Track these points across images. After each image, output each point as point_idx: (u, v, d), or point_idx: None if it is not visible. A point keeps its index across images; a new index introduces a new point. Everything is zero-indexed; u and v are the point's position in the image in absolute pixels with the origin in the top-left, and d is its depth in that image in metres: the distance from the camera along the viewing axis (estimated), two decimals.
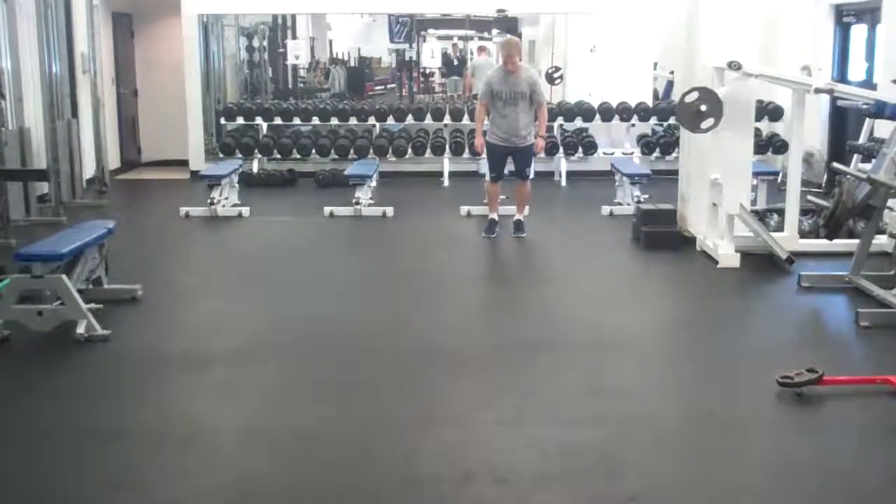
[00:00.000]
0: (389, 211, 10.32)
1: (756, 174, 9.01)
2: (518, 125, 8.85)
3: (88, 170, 11.88)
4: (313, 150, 13.02)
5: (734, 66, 7.77)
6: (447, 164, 12.85)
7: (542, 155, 12.64)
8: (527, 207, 9.41)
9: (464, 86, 17.62)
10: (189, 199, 10.91)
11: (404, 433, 4.54)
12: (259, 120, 13.45)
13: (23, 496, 3.90)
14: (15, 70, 9.82)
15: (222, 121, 13.75)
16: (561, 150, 13.00)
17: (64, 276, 5.93)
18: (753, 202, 8.81)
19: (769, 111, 12.69)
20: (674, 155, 12.31)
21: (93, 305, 6.05)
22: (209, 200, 10.25)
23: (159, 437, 4.51)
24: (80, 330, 5.78)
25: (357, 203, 10.32)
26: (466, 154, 12.86)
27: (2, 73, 9.27)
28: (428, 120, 13.48)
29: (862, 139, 10.81)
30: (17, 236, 8.66)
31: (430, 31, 23.01)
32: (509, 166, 9.26)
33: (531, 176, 9.28)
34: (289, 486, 3.99)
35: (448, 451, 4.31)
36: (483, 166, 11.20)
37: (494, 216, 9.17)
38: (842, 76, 12.23)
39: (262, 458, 4.30)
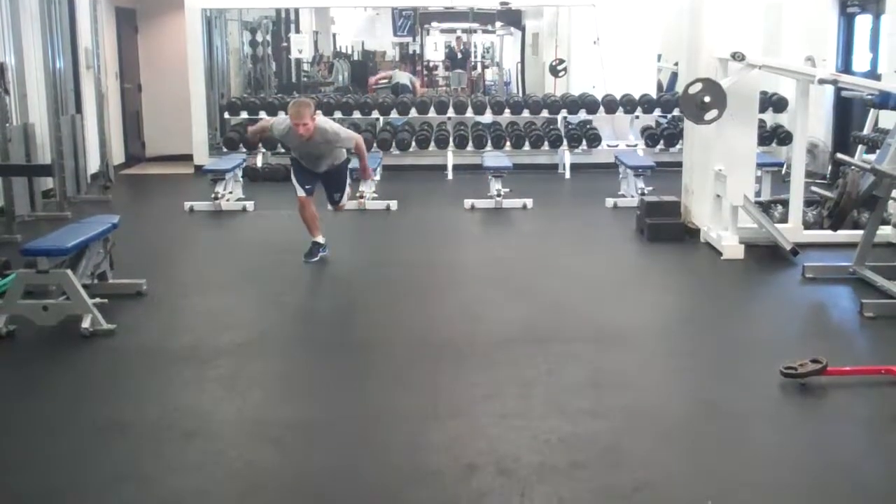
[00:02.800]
0: (393, 204, 10.33)
1: (760, 165, 9.01)
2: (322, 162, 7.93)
3: (93, 165, 11.92)
4: None
5: (738, 57, 7.75)
6: (451, 158, 12.86)
7: (546, 147, 12.72)
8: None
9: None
10: (193, 193, 10.93)
11: (408, 425, 4.55)
12: (263, 114, 13.43)
13: (28, 488, 3.91)
14: (19, 66, 9.84)
15: (226, 115, 13.76)
16: (565, 142, 13.00)
17: (69, 271, 5.95)
18: (757, 193, 8.82)
19: (773, 102, 12.68)
20: (678, 147, 12.31)
21: (98, 300, 6.07)
22: (213, 195, 10.27)
23: (164, 430, 4.53)
24: (86, 324, 5.80)
25: (361, 197, 10.33)
26: (470, 147, 12.86)
27: (6, 69, 9.28)
28: (431, 113, 13.48)
29: (866, 130, 10.81)
30: (23, 231, 8.70)
31: (434, 24, 22.99)
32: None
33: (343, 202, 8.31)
34: (293, 479, 4.01)
35: (451, 442, 4.31)
36: (488, 158, 11.22)
37: (318, 238, 7.96)
38: (846, 67, 12.22)
39: (267, 451, 4.31)
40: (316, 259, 7.75)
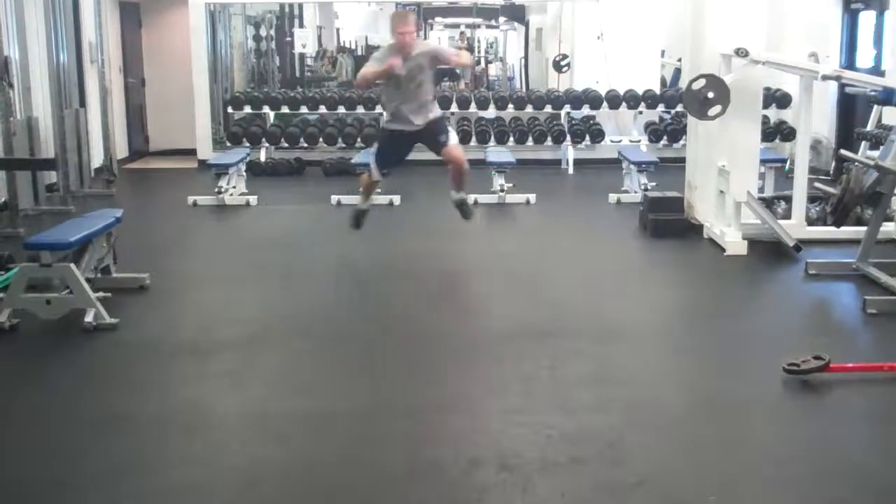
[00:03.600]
0: (396, 199, 10.34)
1: (763, 161, 8.99)
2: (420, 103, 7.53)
3: (96, 159, 11.94)
4: (320, 139, 13.01)
5: (741, 53, 7.75)
6: None
7: (549, 143, 12.68)
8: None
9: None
10: (197, 187, 10.93)
11: (410, 419, 4.56)
12: (266, 109, 13.46)
13: (31, 481, 3.92)
14: (23, 59, 9.85)
15: (230, 110, 13.77)
16: (568, 137, 12.99)
17: (72, 265, 5.95)
18: (761, 189, 8.79)
19: (777, 98, 12.67)
20: (681, 142, 12.27)
21: (101, 294, 6.09)
22: (217, 189, 10.27)
23: (167, 423, 4.54)
24: (89, 318, 5.80)
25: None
26: (473, 142, 12.85)
27: (10, 63, 9.29)
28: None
29: (870, 126, 10.79)
30: (26, 225, 8.71)
31: (438, 19, 22.99)
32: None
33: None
34: (295, 473, 4.01)
35: (454, 437, 4.32)
36: (491, 154, 11.21)
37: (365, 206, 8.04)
38: (850, 63, 12.20)
39: (269, 444, 4.32)
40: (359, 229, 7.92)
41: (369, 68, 7.40)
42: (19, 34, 9.77)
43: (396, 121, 7.54)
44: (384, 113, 7.92)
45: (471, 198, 10.20)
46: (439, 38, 20.14)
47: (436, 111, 7.63)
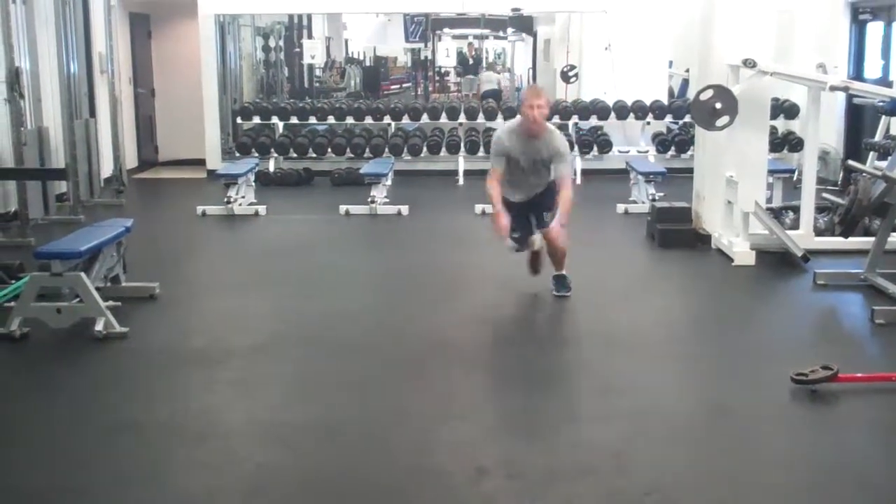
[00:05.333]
0: (404, 209, 10.36)
1: (771, 172, 9.00)
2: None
3: (106, 169, 11.97)
4: (329, 149, 13.05)
5: (749, 63, 7.76)
6: (462, 163, 12.87)
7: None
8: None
9: None
10: (206, 197, 10.96)
11: (418, 428, 4.57)
12: (275, 119, 13.50)
13: (41, 489, 3.94)
14: (34, 70, 9.89)
15: (239, 120, 13.82)
16: (576, 148, 13.00)
17: (82, 274, 5.98)
18: (769, 200, 8.80)
19: (784, 109, 12.68)
20: (689, 153, 12.28)
21: (111, 303, 6.11)
22: (226, 199, 10.31)
23: (175, 431, 4.56)
24: (99, 327, 5.83)
25: (372, 202, 10.36)
26: (482, 152, 12.88)
27: (21, 74, 9.34)
28: (443, 119, 13.51)
29: (878, 137, 10.80)
30: (36, 235, 8.74)
31: (446, 30, 23.03)
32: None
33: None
34: (303, 480, 4.03)
35: (461, 445, 4.33)
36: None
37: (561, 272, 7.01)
38: (857, 74, 12.22)
39: (277, 452, 4.33)
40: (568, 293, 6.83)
41: (493, 173, 6.66)
42: (30, 45, 9.82)
43: (508, 192, 6.76)
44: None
45: (479, 207, 10.26)
46: (447, 50, 20.11)
47: (543, 187, 6.79)
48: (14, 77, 9.13)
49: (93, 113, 11.63)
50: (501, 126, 6.90)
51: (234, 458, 4.30)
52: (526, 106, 6.45)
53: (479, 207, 10.35)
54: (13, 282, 6.69)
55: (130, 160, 13.47)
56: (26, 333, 5.87)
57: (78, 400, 4.99)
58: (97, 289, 6.07)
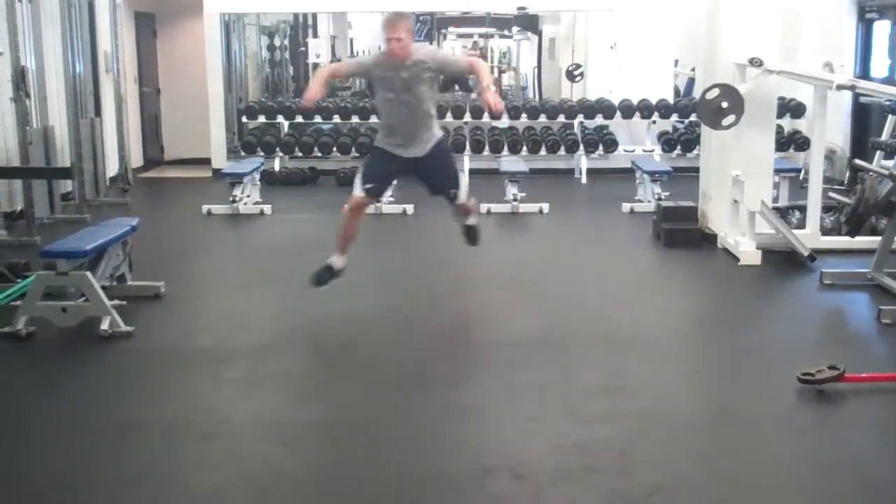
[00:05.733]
0: (410, 208, 10.35)
1: (778, 171, 8.98)
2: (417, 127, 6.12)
3: (112, 168, 11.97)
4: (334, 149, 13.03)
5: (756, 62, 7.75)
6: (467, 162, 12.85)
7: (563, 152, 12.70)
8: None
9: None
10: (211, 196, 10.96)
11: (423, 428, 4.57)
12: (280, 118, 13.50)
13: (48, 488, 3.95)
14: (39, 69, 9.90)
15: (244, 119, 13.81)
16: (581, 147, 12.99)
17: (88, 273, 5.99)
18: (775, 199, 8.79)
19: (791, 108, 12.65)
20: (695, 152, 12.26)
21: (116, 302, 6.11)
22: (231, 198, 10.31)
23: (182, 430, 4.56)
24: (104, 326, 5.83)
25: (378, 201, 10.34)
26: (487, 151, 12.87)
27: (26, 73, 9.34)
28: (448, 118, 13.49)
29: (884, 136, 10.79)
30: (42, 234, 8.75)
31: (451, 29, 23.01)
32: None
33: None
34: (309, 479, 4.03)
35: (466, 446, 4.33)
36: (504, 163, 11.22)
37: (338, 260, 6.32)
38: (864, 73, 12.18)
39: (283, 451, 4.33)
40: (324, 287, 6.21)
41: (336, 66, 6.12)
42: (36, 45, 9.83)
43: (389, 143, 6.19)
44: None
45: (484, 207, 10.24)
46: (453, 48, 20.11)
47: (436, 136, 6.21)
48: (20, 76, 9.14)
49: (98, 112, 11.65)
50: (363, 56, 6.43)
51: (240, 457, 4.30)
52: (387, 40, 5.89)
53: (484, 207, 10.34)
54: (19, 281, 6.70)
55: (136, 159, 13.47)
56: (32, 332, 5.88)
57: (83, 399, 4.99)
58: (103, 288, 6.08)
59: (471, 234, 6.69)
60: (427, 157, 6.16)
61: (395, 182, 6.36)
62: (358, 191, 6.10)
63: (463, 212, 6.43)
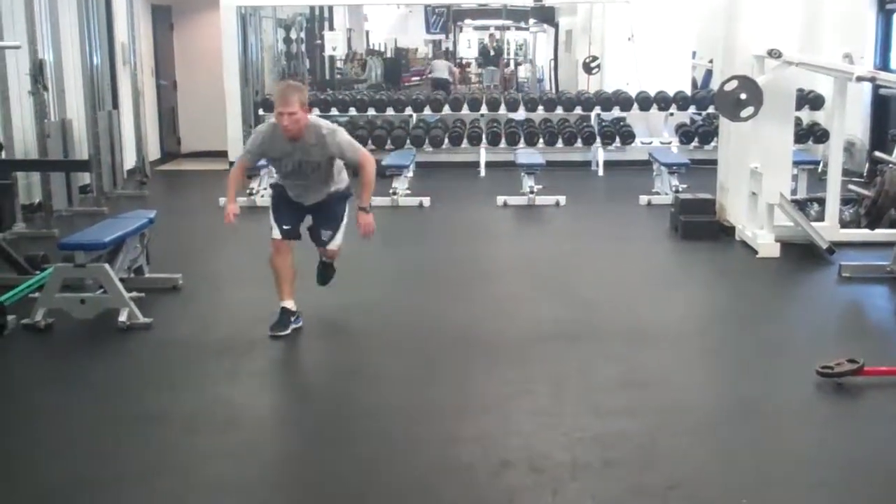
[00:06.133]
0: (426, 201, 10.35)
1: (796, 163, 8.94)
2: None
3: (129, 160, 12.03)
4: None
5: (774, 54, 7.70)
6: (484, 155, 12.84)
7: (579, 144, 12.70)
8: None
9: None
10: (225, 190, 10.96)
11: (441, 421, 4.56)
12: None
13: (66, 478, 3.96)
14: (57, 62, 9.94)
15: (260, 112, 13.81)
16: (598, 139, 12.95)
17: (106, 265, 6.01)
18: (794, 191, 8.74)
19: (810, 100, 12.56)
20: (712, 144, 12.22)
21: (134, 294, 6.13)
22: (248, 190, 10.32)
23: (200, 421, 4.57)
24: (122, 318, 5.85)
25: (394, 193, 10.36)
26: (503, 144, 12.85)
27: (44, 66, 9.38)
28: (465, 110, 13.48)
29: None
30: (60, 226, 8.79)
31: (467, 21, 23.01)
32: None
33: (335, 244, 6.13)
34: (326, 471, 4.03)
35: (484, 439, 4.31)
36: (521, 155, 11.20)
37: (288, 303, 5.93)
38: (884, 64, 12.10)
39: (301, 442, 4.35)
40: (286, 333, 5.76)
41: (239, 163, 6.08)
42: (53, 37, 9.86)
43: (288, 190, 5.99)
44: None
45: (501, 199, 10.23)
46: (469, 41, 20.08)
47: (338, 187, 5.98)
48: (38, 69, 9.18)
49: (116, 105, 11.68)
50: (258, 129, 6.04)
51: (258, 448, 4.31)
52: (277, 114, 5.51)
53: (500, 199, 10.33)
54: (37, 273, 6.73)
55: (153, 152, 13.52)
56: (51, 324, 5.90)
57: (102, 390, 5.01)
58: (121, 280, 6.10)
59: (325, 274, 6.39)
60: (323, 202, 5.96)
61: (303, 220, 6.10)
62: (276, 233, 5.91)
63: (328, 256, 6.20)
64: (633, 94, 13.21)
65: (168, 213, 9.34)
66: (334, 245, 6.05)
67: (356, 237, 5.98)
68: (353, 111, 13.50)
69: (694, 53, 14.94)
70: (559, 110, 13.47)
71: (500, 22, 19.73)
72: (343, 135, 5.71)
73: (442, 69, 19.19)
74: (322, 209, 5.97)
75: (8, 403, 4.88)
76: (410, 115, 13.57)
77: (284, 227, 5.88)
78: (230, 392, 5.03)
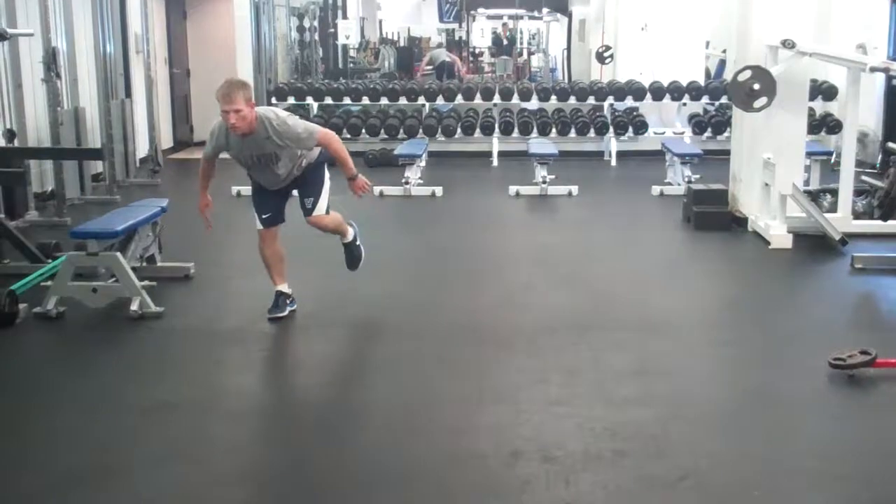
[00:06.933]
0: (438, 190, 10.35)
1: (809, 154, 8.91)
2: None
3: (142, 149, 12.06)
4: (363, 130, 13.03)
5: (788, 44, 7.67)
6: (496, 144, 12.83)
7: (592, 134, 12.69)
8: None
9: None
10: (240, 178, 10.92)
11: (452, 411, 4.57)
12: (310, 100, 13.51)
13: (78, 466, 3.97)
14: (70, 51, 9.96)
15: (273, 101, 13.81)
16: (611, 129, 12.93)
17: (118, 254, 6.03)
18: (806, 182, 8.71)
19: (823, 90, 12.52)
20: (725, 134, 12.21)
21: (146, 283, 6.14)
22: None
23: (211, 410, 4.59)
24: (134, 307, 5.86)
25: (406, 183, 10.35)
26: (516, 133, 12.83)
27: (57, 54, 9.40)
28: (477, 99, 13.47)
29: None
30: (72, 214, 8.82)
31: (480, 10, 22.99)
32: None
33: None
34: (337, 461, 4.04)
35: (495, 428, 4.32)
36: (533, 145, 11.19)
37: (281, 287, 6.00)
38: None
39: (312, 432, 4.35)
40: (283, 315, 5.88)
41: (202, 162, 6.15)
42: (67, 26, 9.88)
43: (256, 179, 6.00)
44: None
45: (513, 189, 10.22)
46: (482, 30, 20.08)
47: (309, 162, 5.88)
48: (51, 57, 9.19)
49: (128, 93, 11.70)
50: (212, 126, 5.90)
51: (269, 437, 4.33)
52: (221, 112, 5.47)
53: (513, 189, 10.33)
54: (50, 261, 6.75)
55: (166, 140, 13.54)
56: (62, 313, 5.92)
57: (113, 379, 5.03)
58: (133, 268, 6.12)
59: (347, 254, 6.30)
60: (299, 177, 5.88)
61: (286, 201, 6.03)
62: (258, 224, 5.94)
63: (316, 225, 6.00)
64: (647, 84, 13.17)
65: (180, 201, 9.33)
66: (319, 211, 5.92)
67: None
68: (365, 100, 13.50)
69: (707, 43, 14.89)
70: (572, 100, 13.45)
71: (513, 11, 19.70)
72: (295, 122, 5.65)
73: (442, 55, 19.20)
74: (299, 182, 5.90)
75: (20, 392, 4.90)
76: (423, 105, 13.56)
77: (264, 216, 5.90)
78: (241, 381, 5.05)
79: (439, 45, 21.36)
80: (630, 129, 13.00)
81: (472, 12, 22.62)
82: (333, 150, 5.77)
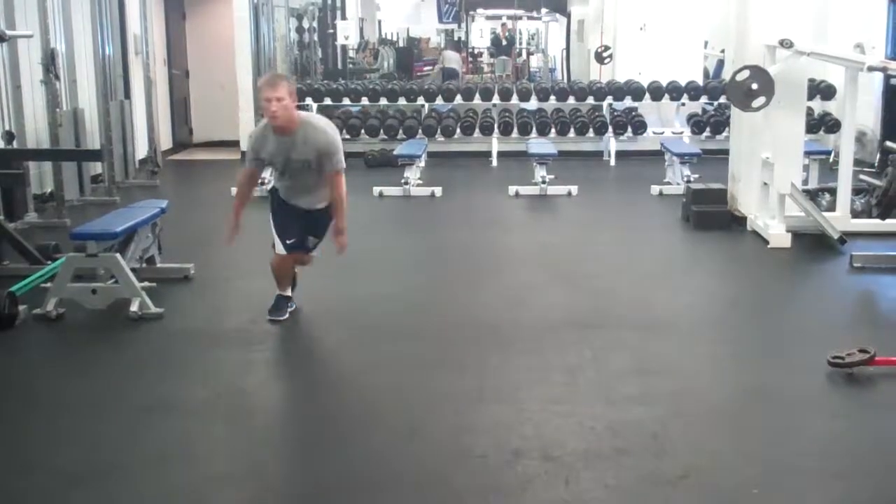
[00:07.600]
0: (438, 191, 10.35)
1: (808, 153, 8.91)
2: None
3: (141, 150, 12.06)
4: (362, 131, 13.04)
5: (786, 44, 7.67)
6: (496, 144, 12.84)
7: (591, 134, 12.70)
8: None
9: None
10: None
11: (453, 409, 4.56)
12: (309, 100, 13.47)
13: (78, 467, 3.97)
14: (69, 52, 9.97)
15: None
16: (610, 129, 12.94)
17: (118, 255, 6.03)
18: (805, 181, 8.72)
19: (821, 90, 12.52)
20: (724, 134, 12.21)
21: (146, 284, 6.14)
22: (260, 181, 10.29)
23: (212, 411, 4.59)
24: (134, 308, 5.87)
25: (406, 183, 10.36)
26: (515, 133, 12.84)
27: (56, 55, 9.40)
28: (476, 100, 13.47)
29: None
30: (72, 216, 8.82)
31: (479, 10, 23.00)
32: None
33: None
34: (340, 462, 4.04)
35: (497, 427, 4.32)
36: (533, 145, 11.19)
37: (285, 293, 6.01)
38: None
39: (314, 432, 4.35)
40: (284, 317, 5.88)
41: (244, 170, 6.09)
42: (66, 27, 9.89)
43: (287, 193, 5.96)
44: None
45: (513, 189, 10.23)
46: (481, 31, 20.09)
47: (325, 201, 5.86)
48: (50, 59, 9.19)
49: (127, 94, 11.71)
50: (253, 130, 5.93)
51: (272, 438, 4.33)
52: (262, 99, 5.40)
53: (512, 189, 10.33)
54: (49, 263, 6.75)
55: (165, 141, 13.55)
56: (62, 314, 5.92)
57: (114, 380, 5.03)
58: (132, 270, 6.12)
59: (278, 302, 6.01)
60: (317, 211, 5.89)
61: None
62: (280, 249, 5.84)
63: (305, 262, 6.09)
64: (645, 84, 13.18)
65: (180, 202, 9.37)
66: (315, 253, 6.02)
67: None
68: (365, 101, 13.50)
69: (706, 43, 14.90)
70: (571, 100, 13.46)
71: (512, 11, 19.70)
72: (336, 135, 5.67)
73: (452, 60, 19.21)
74: (315, 216, 5.89)
75: (19, 393, 4.90)
76: (422, 105, 13.57)
77: (288, 241, 5.82)
78: (242, 382, 5.05)
79: (454, 48, 21.34)
80: (629, 128, 13.02)
81: (472, 12, 22.63)
82: (339, 192, 5.70)
